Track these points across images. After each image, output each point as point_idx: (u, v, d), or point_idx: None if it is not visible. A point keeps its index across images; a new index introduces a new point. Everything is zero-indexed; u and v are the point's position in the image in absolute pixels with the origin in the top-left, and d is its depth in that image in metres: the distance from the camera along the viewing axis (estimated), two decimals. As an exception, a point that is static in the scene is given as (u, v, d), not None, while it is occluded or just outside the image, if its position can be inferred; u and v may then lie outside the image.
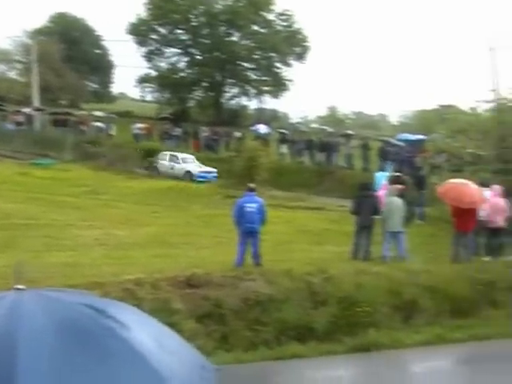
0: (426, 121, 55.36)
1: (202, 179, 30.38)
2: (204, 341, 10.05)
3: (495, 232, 14.54)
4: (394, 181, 17.91)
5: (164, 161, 32.92)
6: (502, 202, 14.68)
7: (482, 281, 12.76)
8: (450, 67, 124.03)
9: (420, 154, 27.30)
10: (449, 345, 11.10)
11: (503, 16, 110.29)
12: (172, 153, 33.46)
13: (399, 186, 15.30)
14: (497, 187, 15.10)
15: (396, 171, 22.56)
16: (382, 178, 18.89)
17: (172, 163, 32.57)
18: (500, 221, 14.43)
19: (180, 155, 33.07)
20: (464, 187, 14.78)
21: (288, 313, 10.74)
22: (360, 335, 10.83)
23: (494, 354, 10.95)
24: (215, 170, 31.21)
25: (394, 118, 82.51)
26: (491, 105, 20.49)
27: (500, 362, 10.46)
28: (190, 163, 32.65)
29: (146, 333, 2.29)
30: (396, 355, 10.69)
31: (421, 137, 31.87)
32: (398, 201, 14.44)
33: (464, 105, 28.98)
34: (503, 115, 19.56)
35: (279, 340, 10.50)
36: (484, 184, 15.53)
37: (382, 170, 22.75)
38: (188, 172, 31.51)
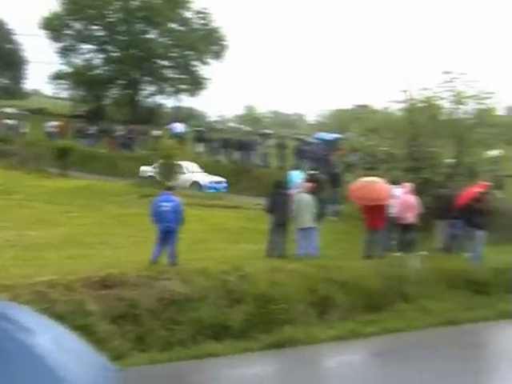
0: (341, 120, 56.41)
1: (212, 190, 28.03)
2: (119, 342, 9.96)
3: (406, 228, 14.94)
4: (309, 179, 18.15)
5: None
6: (412, 199, 15.08)
7: (394, 275, 13.13)
8: (366, 67, 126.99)
9: (335, 153, 27.80)
10: (362, 339, 11.40)
11: (415, 19, 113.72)
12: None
13: (309, 184, 15.51)
14: (408, 185, 15.51)
15: (312, 169, 22.88)
16: (296, 176, 19.10)
17: None
18: (410, 217, 14.82)
19: (184, 164, 29.48)
20: (371, 185, 15.22)
21: (204, 312, 10.74)
22: (276, 332, 10.95)
23: (404, 345, 11.33)
24: (224, 179, 29.11)
25: (310, 118, 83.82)
26: (403, 105, 20.95)
27: (410, 353, 10.87)
28: (196, 172, 29.85)
29: (45, 335, 2.24)
30: (311, 350, 10.86)
31: (336, 135, 32.45)
32: (308, 197, 14.66)
33: (378, 104, 29.61)
34: (414, 115, 20.11)
35: (195, 339, 10.49)
36: (395, 182, 15.96)
37: (297, 168, 22.96)
38: (195, 182, 28.65)
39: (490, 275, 14.22)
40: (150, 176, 29.19)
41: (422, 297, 13.17)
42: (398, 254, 14.57)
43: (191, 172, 29.67)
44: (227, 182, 29.08)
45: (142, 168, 30.35)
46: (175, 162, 26.76)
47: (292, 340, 10.85)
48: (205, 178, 29.21)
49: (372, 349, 11.31)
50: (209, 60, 57.13)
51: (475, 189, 15.24)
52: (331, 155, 27.49)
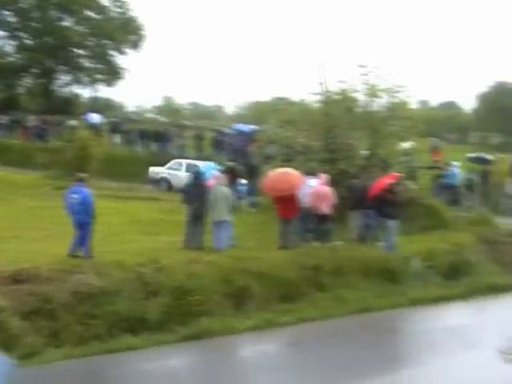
0: (260, 112, 56.64)
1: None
2: (32, 338, 9.76)
3: (322, 219, 15.15)
4: (227, 170, 18.21)
5: (178, 171, 26.51)
6: (326, 189, 15.27)
7: (310, 265, 13.35)
8: (285, 59, 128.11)
9: (253, 144, 27.94)
10: (278, 328, 11.55)
11: (332, 12, 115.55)
12: (190, 161, 26.73)
13: (224, 175, 15.58)
14: (323, 176, 15.72)
15: (229, 161, 22.96)
16: (209, 167, 19.09)
17: None
18: (324, 208, 15.00)
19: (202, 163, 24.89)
20: (281, 176, 15.50)
21: (119, 305, 10.65)
22: (193, 324, 10.99)
23: (319, 334, 11.57)
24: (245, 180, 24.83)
25: (229, 109, 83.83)
26: (319, 97, 21.21)
27: (325, 341, 11.11)
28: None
29: None
30: (228, 341, 10.95)
31: (254, 127, 32.57)
32: (225, 189, 14.73)
33: (296, 96, 30.00)
34: (329, 107, 20.39)
35: (111, 333, 10.40)
36: (311, 173, 16.16)
37: (211, 159, 22.89)
38: None
39: (402, 264, 14.67)
40: (163, 178, 26.81)
41: (337, 286, 13.46)
42: (314, 244, 14.80)
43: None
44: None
45: (152, 169, 27.37)
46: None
47: (209, 331, 10.91)
48: None
49: (288, 338, 11.48)
50: (126, 50, 56.23)
51: (387, 180, 15.60)
52: (249, 147, 27.61)
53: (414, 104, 25.96)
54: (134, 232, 16.15)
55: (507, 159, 28.31)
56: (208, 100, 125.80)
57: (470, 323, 12.37)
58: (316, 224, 15.24)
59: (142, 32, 56.60)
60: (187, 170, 25.26)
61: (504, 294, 14.75)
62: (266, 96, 73.51)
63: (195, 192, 14.71)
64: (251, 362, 10.15)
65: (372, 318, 12.61)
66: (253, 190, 20.61)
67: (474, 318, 13.07)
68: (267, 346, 10.89)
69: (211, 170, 18.12)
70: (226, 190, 14.70)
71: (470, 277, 15.29)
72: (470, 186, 24.86)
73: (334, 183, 15.89)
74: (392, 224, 15.17)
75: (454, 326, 12.03)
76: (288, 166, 16.87)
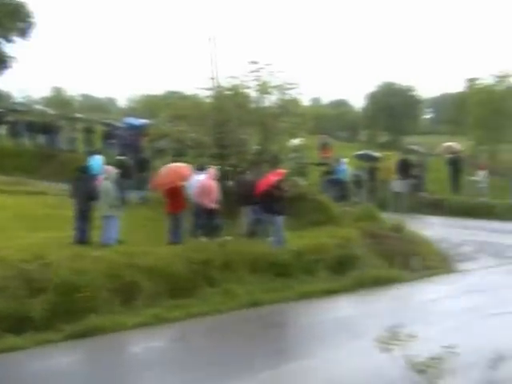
0: (152, 105, 55.96)
1: None
2: None
3: (211, 213, 15.20)
4: (116, 164, 17.93)
5: None
6: (211, 184, 15.29)
7: (198, 260, 13.38)
8: (179, 53, 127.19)
9: (144, 138, 27.63)
10: (167, 324, 11.53)
11: (222, 7, 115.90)
12: None
13: (113, 169, 15.37)
14: (212, 170, 15.71)
15: (120, 155, 22.61)
16: (97, 161, 18.72)
17: None
18: (209, 202, 15.06)
19: None
20: (166, 170, 15.74)
21: (1, 303, 10.31)
22: (80, 321, 10.80)
23: (208, 329, 11.65)
24: None
25: (122, 102, 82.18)
26: (210, 92, 21.18)
27: (213, 336, 11.20)
28: None
29: None
30: (117, 338, 10.84)
31: (145, 121, 32.20)
32: (110, 184, 14.57)
33: (189, 91, 29.91)
34: (221, 102, 20.42)
35: (-8, 333, 10.03)
36: (201, 168, 16.17)
37: (100, 153, 22.41)
38: None
39: (290, 258, 14.92)
40: None
41: (227, 281, 13.53)
42: (203, 239, 14.83)
43: None
44: None
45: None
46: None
47: (97, 328, 10.77)
48: None
49: (175, 334, 11.45)
50: (14, 37, 54.14)
51: (274, 176, 15.73)
52: (139, 141, 27.27)
53: (305, 101, 26.41)
54: (20, 227, 15.59)
55: (393, 157, 29.30)
56: (100, 92, 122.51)
57: (355, 315, 12.71)
58: (205, 219, 15.27)
59: (31, 19, 54.60)
60: None
61: (387, 286, 15.26)
62: (159, 89, 72.54)
63: (81, 186, 14.46)
64: (137, 359, 10.05)
65: (261, 313, 12.73)
66: (142, 185, 20.42)
67: (358, 310, 13.43)
68: (155, 342, 10.79)
69: (98, 164, 17.81)
70: (112, 185, 14.53)
71: (356, 270, 15.70)
72: (358, 182, 25.63)
73: (224, 178, 15.93)
74: (279, 220, 15.37)
75: (340, 317, 12.35)
76: (180, 161, 16.83)
